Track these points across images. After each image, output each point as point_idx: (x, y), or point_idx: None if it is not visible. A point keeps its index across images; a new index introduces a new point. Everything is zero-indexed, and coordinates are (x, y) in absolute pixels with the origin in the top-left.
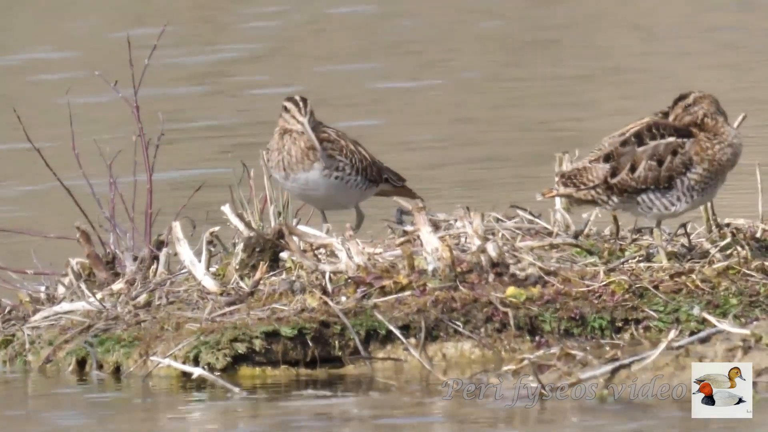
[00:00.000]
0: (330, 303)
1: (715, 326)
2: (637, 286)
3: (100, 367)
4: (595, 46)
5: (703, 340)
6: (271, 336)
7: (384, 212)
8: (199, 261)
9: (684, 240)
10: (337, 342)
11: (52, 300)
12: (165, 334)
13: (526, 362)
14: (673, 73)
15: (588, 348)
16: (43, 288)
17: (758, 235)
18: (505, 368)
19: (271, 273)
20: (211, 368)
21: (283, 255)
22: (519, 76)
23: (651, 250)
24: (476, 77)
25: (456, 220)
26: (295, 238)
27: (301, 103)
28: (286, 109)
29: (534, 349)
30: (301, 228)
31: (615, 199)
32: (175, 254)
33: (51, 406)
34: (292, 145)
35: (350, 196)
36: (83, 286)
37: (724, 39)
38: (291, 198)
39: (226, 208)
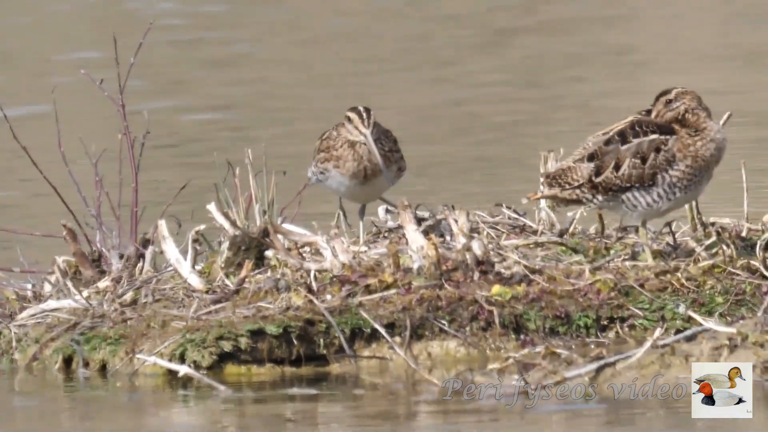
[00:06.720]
0: (315, 301)
1: (701, 325)
2: (622, 284)
3: (86, 364)
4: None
5: (689, 339)
6: (257, 334)
7: (370, 210)
8: (185, 259)
9: (669, 239)
10: (322, 340)
11: (38, 298)
12: (151, 332)
13: (511, 361)
14: None
15: (573, 346)
16: (29, 286)
17: (743, 233)
18: (490, 367)
19: (257, 271)
20: (196, 366)
21: (269, 253)
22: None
23: (636, 249)
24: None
25: (441, 220)
26: (280, 237)
27: (364, 114)
28: (349, 119)
29: (519, 347)
30: (286, 226)
31: (600, 197)
32: (161, 252)
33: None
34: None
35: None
36: (69, 284)
37: None
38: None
39: (212, 207)
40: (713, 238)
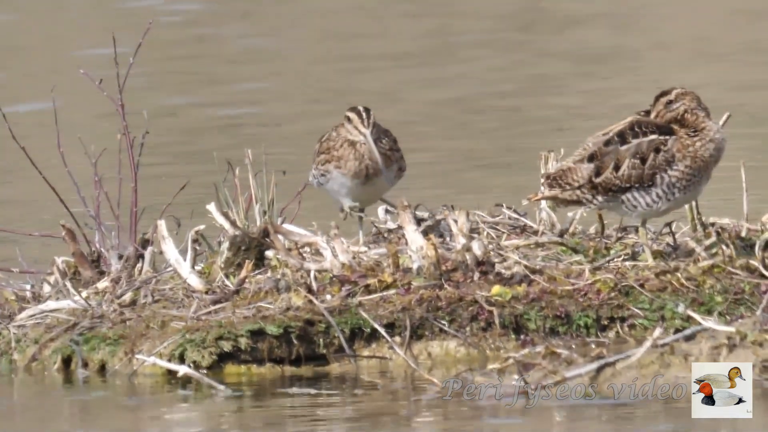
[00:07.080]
0: (315, 301)
1: (700, 324)
2: (622, 284)
3: (85, 365)
4: None
5: (689, 338)
6: (257, 334)
7: (369, 212)
8: (185, 259)
9: (669, 239)
10: (322, 340)
11: (37, 298)
12: (150, 332)
13: (511, 361)
14: None
15: (573, 346)
16: (28, 286)
17: (743, 234)
18: (490, 367)
19: (257, 271)
20: (196, 366)
21: (269, 253)
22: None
23: (636, 249)
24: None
25: (441, 221)
26: (280, 237)
27: (364, 114)
28: (348, 119)
29: (519, 347)
30: (286, 226)
31: (600, 198)
32: (161, 252)
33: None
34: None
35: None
36: (69, 284)
37: None
38: (347, 197)
39: (212, 207)
40: (713, 238)
